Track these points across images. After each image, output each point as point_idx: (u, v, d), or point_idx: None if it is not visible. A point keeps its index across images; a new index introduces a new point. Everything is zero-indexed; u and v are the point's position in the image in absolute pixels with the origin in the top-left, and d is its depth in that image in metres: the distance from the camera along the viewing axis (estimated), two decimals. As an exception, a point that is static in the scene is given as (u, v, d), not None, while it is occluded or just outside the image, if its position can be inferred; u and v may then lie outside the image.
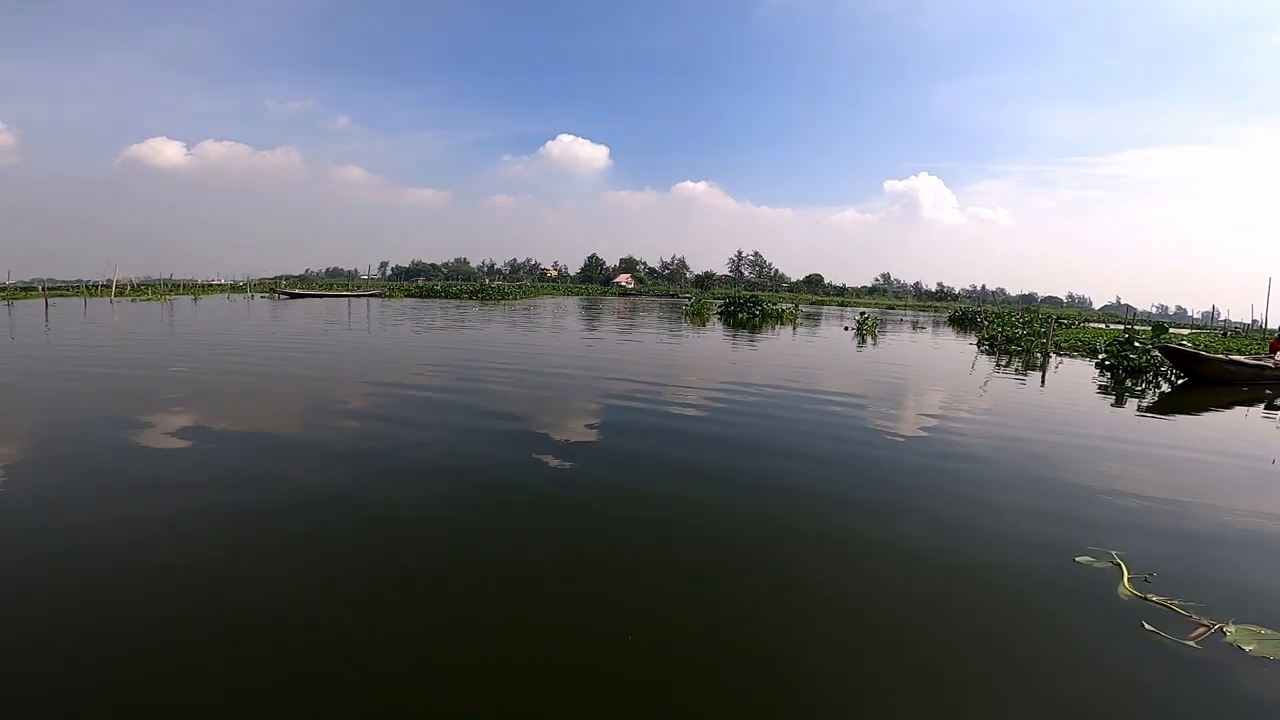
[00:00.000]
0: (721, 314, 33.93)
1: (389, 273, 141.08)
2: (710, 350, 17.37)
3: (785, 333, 24.21)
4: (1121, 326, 41.93)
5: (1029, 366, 15.68)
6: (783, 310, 34.31)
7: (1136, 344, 14.50)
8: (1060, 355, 18.60)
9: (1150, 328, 15.39)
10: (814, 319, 37.84)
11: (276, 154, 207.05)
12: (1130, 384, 13.11)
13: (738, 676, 2.71)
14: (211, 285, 59.35)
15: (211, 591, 3.23)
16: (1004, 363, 16.32)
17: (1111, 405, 10.75)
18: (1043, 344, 18.94)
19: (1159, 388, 12.74)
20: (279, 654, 2.74)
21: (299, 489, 4.79)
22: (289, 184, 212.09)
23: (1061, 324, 31.01)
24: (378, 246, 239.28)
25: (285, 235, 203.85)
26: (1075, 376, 14.07)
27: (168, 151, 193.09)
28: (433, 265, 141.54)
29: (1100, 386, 12.64)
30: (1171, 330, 26.90)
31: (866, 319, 25.65)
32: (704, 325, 26.54)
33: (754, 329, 25.45)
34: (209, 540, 3.85)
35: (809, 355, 16.70)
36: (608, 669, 2.73)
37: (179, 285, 56.66)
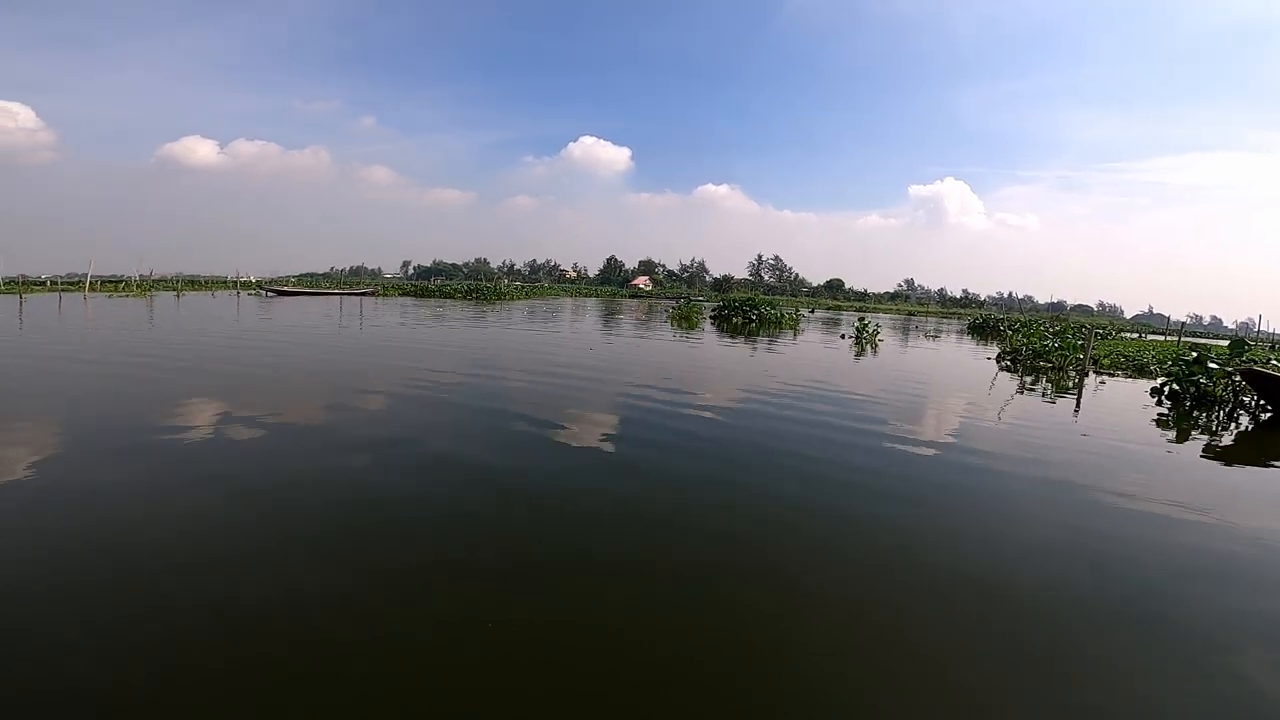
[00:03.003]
0: (714, 318, 30.99)
1: (411, 271, 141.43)
2: (652, 358, 14.52)
3: (779, 340, 21.30)
4: (1162, 337, 38.19)
5: (1060, 387, 12.61)
6: (782, 315, 31.14)
7: (1212, 365, 11.09)
8: (1100, 374, 15.38)
9: (1228, 344, 11.83)
10: (823, 324, 34.66)
11: (306, 153, 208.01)
12: (1197, 417, 10.03)
13: (738, 676, 2.72)
14: (232, 281, 58.13)
15: (207, 593, 3.20)
16: (1030, 382, 13.25)
17: (1170, 443, 7.86)
18: (1079, 360, 15.69)
19: (1237, 423, 9.69)
20: (279, 654, 2.73)
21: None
22: (317, 183, 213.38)
23: (1098, 335, 27.41)
24: (401, 245, 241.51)
25: (312, 233, 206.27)
26: (1122, 403, 10.99)
27: (201, 150, 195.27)
28: (453, 265, 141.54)
29: (1159, 418, 9.60)
30: (1207, 342, 23.43)
31: (866, 326, 22.51)
32: (691, 330, 23.71)
33: (749, 335, 22.60)
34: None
35: (787, 369, 13.71)
36: (609, 669, 2.74)
37: (181, 281, 55.39)
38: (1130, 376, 15.17)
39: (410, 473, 5.31)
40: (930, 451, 6.90)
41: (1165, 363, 16.10)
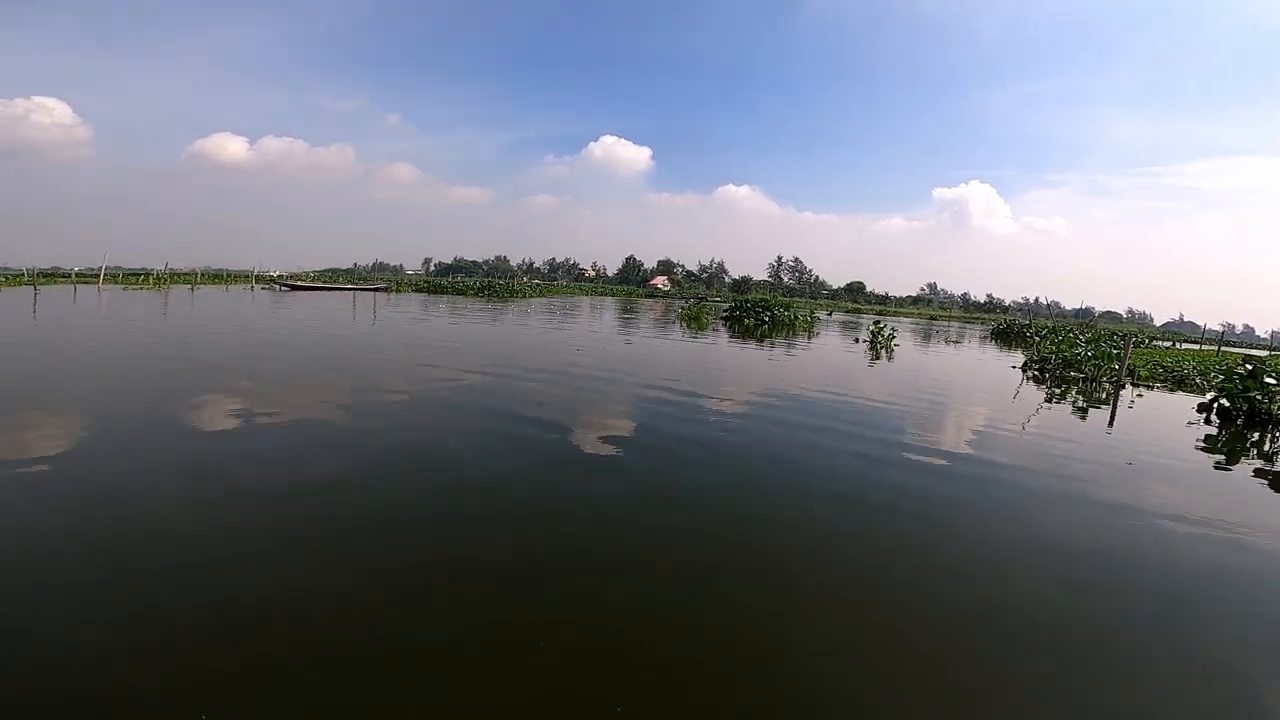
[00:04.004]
0: (727, 319, 30.01)
1: (432, 268, 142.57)
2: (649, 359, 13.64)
3: (790, 343, 20.36)
4: (1196, 345, 36.32)
5: (1092, 399, 11.53)
6: (796, 317, 30.03)
7: (1270, 380, 9.86)
8: (1137, 386, 14.18)
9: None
10: (840, 327, 33.54)
11: (331, 150, 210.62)
12: (1248, 436, 8.93)
13: (738, 677, 2.71)
14: (248, 276, 58.70)
15: (207, 595, 3.12)
16: (1059, 392, 12.17)
17: (1220, 465, 6.79)
18: (1113, 370, 14.49)
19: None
20: (279, 655, 2.67)
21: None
22: (342, 179, 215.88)
23: (1134, 343, 25.89)
24: (423, 243, 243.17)
25: (336, 229, 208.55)
26: (1163, 419, 9.92)
27: (231, 147, 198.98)
28: (473, 262, 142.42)
29: (1206, 440, 8.53)
30: (1250, 352, 21.93)
31: (881, 330, 21.36)
32: (700, 331, 22.81)
33: (760, 338, 21.66)
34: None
35: (791, 373, 12.78)
36: (609, 670, 2.72)
37: (201, 275, 55.86)
38: (1169, 389, 13.98)
39: (406, 472, 5.21)
40: (940, 461, 6.50)
41: (1208, 374, 14.86)
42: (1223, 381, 10.36)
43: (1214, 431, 9.13)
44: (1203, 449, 8.04)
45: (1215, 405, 9.98)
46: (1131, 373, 15.04)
